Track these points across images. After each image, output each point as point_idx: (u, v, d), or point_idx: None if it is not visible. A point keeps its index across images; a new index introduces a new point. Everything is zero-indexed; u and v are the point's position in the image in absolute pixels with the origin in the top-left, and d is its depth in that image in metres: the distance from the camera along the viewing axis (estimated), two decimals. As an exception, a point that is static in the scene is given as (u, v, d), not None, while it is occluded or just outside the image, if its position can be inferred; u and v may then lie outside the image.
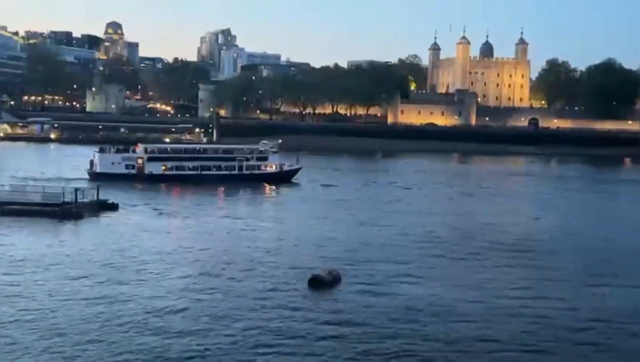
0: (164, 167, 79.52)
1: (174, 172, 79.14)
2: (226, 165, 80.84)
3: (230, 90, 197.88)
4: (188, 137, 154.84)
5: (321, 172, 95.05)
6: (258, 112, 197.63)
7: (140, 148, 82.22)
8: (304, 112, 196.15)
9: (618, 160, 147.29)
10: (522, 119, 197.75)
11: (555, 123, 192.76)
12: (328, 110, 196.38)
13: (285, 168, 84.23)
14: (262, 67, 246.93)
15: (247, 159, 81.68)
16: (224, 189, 73.52)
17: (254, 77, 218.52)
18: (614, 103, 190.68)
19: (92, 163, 79.26)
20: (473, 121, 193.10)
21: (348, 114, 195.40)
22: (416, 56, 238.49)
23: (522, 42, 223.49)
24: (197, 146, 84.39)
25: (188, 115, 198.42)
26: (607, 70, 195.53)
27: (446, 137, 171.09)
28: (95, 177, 74.44)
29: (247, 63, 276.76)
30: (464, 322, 28.14)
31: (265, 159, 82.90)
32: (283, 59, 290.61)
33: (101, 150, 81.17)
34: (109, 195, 57.97)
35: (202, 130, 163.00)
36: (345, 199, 68.82)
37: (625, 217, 63.23)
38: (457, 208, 65.96)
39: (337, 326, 27.40)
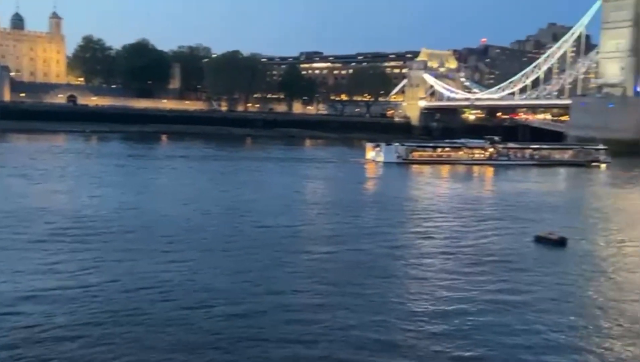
0: None
1: None
2: None
3: None
4: None
5: None
6: None
7: None
8: None
9: (156, 137, 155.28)
10: (60, 95, 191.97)
11: (94, 100, 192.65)
12: None
13: None
14: None
15: None
16: None
17: None
18: (149, 82, 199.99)
19: None
20: (7, 97, 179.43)
21: None
22: None
23: (55, 17, 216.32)
24: None
25: None
26: (141, 51, 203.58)
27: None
28: None
29: None
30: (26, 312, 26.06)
31: None
32: None
33: None
34: None
35: None
36: None
37: (170, 190, 67.06)
38: (6, 191, 60.60)
39: None
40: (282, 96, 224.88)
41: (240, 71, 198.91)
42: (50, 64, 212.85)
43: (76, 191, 62.45)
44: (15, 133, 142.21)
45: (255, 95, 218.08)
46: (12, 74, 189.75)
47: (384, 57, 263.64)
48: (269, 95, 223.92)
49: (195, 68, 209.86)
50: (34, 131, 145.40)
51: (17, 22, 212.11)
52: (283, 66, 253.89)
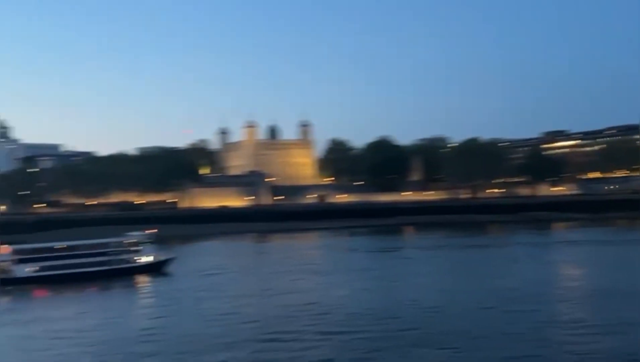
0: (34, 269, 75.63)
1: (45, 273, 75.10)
2: (100, 260, 78.04)
3: (7, 184, 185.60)
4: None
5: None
6: (41, 205, 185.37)
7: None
8: (87, 203, 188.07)
9: (401, 229, 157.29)
10: (309, 196, 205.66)
11: (342, 198, 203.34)
12: (117, 198, 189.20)
13: (158, 259, 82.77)
14: (41, 158, 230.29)
15: (122, 252, 79.98)
16: (94, 286, 71.26)
17: (33, 169, 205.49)
18: (390, 176, 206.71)
19: None
20: (267, 200, 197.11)
21: (140, 202, 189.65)
22: (204, 140, 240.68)
23: (304, 124, 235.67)
24: (68, 243, 79.67)
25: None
26: (382, 147, 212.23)
27: (241, 218, 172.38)
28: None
29: (24, 155, 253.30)
30: None
31: (138, 251, 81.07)
32: (68, 148, 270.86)
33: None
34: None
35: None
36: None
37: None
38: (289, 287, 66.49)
39: None
40: (524, 179, 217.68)
41: (479, 158, 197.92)
42: (301, 167, 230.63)
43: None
44: (275, 233, 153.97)
45: (495, 181, 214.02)
46: (272, 179, 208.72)
47: (635, 129, 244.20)
48: (510, 180, 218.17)
49: (434, 159, 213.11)
50: (289, 230, 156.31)
51: (273, 132, 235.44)
52: (523, 148, 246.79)
